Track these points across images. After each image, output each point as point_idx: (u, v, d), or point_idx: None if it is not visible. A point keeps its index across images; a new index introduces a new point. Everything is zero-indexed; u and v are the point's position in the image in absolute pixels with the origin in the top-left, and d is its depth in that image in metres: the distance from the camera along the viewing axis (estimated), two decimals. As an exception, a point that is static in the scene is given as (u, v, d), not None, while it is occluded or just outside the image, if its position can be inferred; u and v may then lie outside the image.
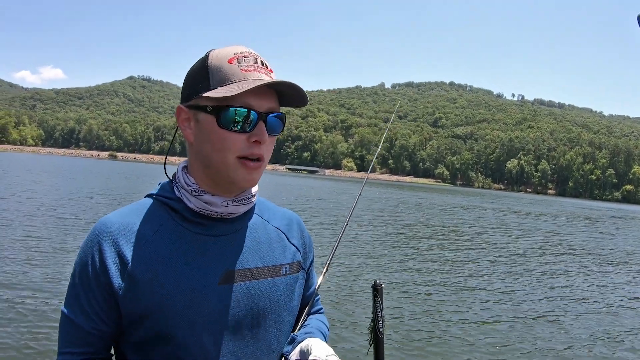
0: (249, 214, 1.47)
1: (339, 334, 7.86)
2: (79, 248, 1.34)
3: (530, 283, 13.51)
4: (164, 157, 1.54)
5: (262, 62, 1.30)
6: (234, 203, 1.37)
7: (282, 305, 1.44)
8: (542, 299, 11.72)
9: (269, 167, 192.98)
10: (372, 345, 1.67)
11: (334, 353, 1.35)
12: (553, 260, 18.21)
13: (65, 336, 1.31)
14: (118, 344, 1.36)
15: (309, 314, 1.64)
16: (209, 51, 1.32)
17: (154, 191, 1.43)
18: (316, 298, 1.74)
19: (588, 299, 12.16)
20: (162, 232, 1.32)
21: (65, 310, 1.31)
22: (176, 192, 1.38)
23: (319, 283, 1.73)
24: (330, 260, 1.84)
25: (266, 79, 1.26)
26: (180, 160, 1.47)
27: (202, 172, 1.35)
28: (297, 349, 1.39)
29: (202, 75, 1.28)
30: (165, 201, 1.38)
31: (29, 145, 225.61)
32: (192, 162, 1.38)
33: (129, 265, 1.26)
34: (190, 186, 1.35)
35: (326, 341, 1.54)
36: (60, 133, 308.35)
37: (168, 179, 1.45)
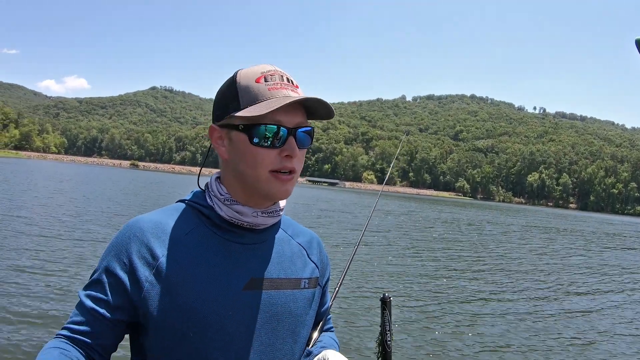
0: (275, 227, 1.52)
1: (347, 347, 7.78)
2: (110, 242, 1.38)
3: (539, 297, 13.39)
4: (196, 167, 2.02)
5: (287, 79, 1.35)
6: (263, 214, 1.41)
7: (299, 317, 1.48)
8: (551, 312, 11.64)
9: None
10: (380, 358, 1.63)
11: None
12: (570, 278, 17.80)
13: (75, 317, 1.32)
14: (138, 341, 1.37)
15: (321, 331, 1.67)
16: (237, 71, 1.36)
17: (187, 197, 1.48)
18: (328, 317, 1.78)
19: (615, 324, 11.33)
20: (193, 235, 1.37)
21: (81, 295, 1.34)
22: (208, 201, 1.43)
23: (331, 302, 1.77)
24: (341, 283, 1.89)
25: (293, 95, 1.31)
26: (210, 172, 1.53)
27: (236, 186, 1.40)
28: None
29: (232, 95, 1.33)
30: (198, 207, 1.42)
31: (52, 153, 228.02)
32: (225, 175, 1.43)
33: (159, 262, 1.30)
34: (223, 195, 1.40)
35: None
36: (83, 141, 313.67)
37: (200, 189, 1.50)
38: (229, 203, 1.39)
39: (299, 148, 1.35)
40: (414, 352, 8.07)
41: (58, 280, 9.76)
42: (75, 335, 1.30)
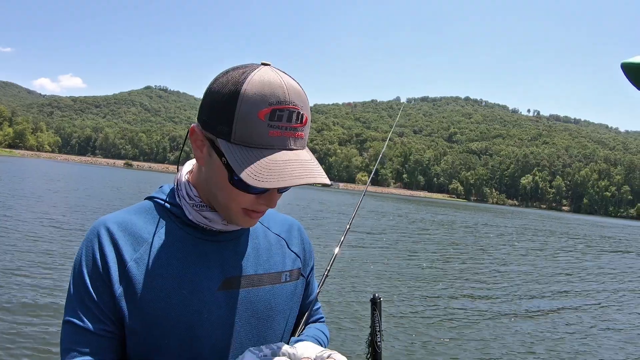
0: None
1: (336, 348, 7.44)
2: (79, 249, 1.28)
3: (531, 297, 13.52)
4: (177, 165, 1.45)
5: (297, 116, 1.15)
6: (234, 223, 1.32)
7: (281, 313, 1.42)
8: (543, 313, 11.69)
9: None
10: (370, 359, 1.63)
11: (325, 350, 1.28)
12: (560, 280, 17.88)
13: (71, 346, 1.21)
14: None
15: (307, 323, 1.60)
16: (242, 85, 1.12)
17: (154, 194, 1.39)
18: (316, 307, 1.70)
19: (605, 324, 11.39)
20: (161, 235, 1.28)
21: (67, 319, 1.22)
22: (177, 199, 1.33)
23: (318, 290, 1.68)
24: (330, 267, 1.80)
25: (291, 156, 1.14)
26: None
27: (207, 192, 1.29)
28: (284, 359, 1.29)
29: (226, 115, 1.13)
30: (166, 205, 1.33)
31: (46, 152, 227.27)
32: (197, 177, 1.31)
33: (127, 266, 1.22)
34: (193, 200, 1.30)
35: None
36: (77, 140, 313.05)
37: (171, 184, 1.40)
38: (197, 208, 1.29)
39: (279, 193, 1.24)
40: (404, 353, 8.09)
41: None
42: None
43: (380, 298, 1.64)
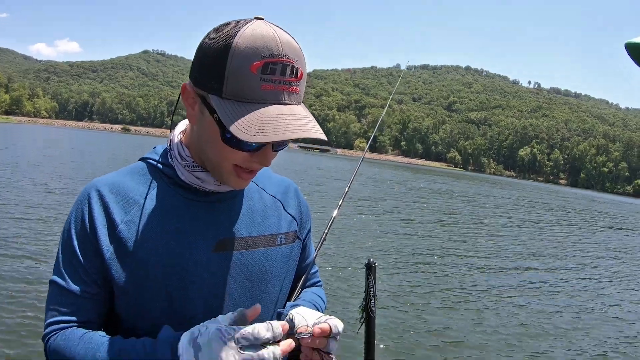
0: None
1: (330, 313, 7.21)
2: (69, 212, 1.27)
3: (526, 269, 13.51)
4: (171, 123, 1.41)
5: (292, 70, 1.10)
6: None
7: (276, 276, 1.39)
8: (537, 286, 11.72)
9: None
10: (363, 324, 1.62)
11: (322, 315, 1.27)
12: (556, 248, 18.16)
13: (53, 306, 1.23)
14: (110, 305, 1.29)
15: (303, 287, 1.56)
16: (233, 39, 1.07)
17: (148, 154, 1.36)
18: (313, 270, 1.66)
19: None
20: (153, 196, 1.26)
21: (54, 278, 1.24)
22: (169, 159, 1.30)
23: (315, 254, 1.64)
24: (327, 231, 1.74)
25: (285, 111, 1.09)
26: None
27: (199, 152, 1.25)
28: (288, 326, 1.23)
29: (217, 70, 1.08)
30: (158, 166, 1.30)
31: (43, 117, 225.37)
32: (190, 137, 1.28)
33: (118, 228, 1.21)
34: (185, 160, 1.26)
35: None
36: (74, 106, 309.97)
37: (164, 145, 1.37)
38: (190, 169, 1.26)
39: (273, 151, 1.20)
40: (397, 319, 8.09)
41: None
42: (69, 322, 1.22)
43: (375, 263, 1.60)
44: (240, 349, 1.05)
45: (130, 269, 1.20)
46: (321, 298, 1.61)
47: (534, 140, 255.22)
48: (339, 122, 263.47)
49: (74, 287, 1.20)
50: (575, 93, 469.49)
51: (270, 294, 1.38)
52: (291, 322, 1.23)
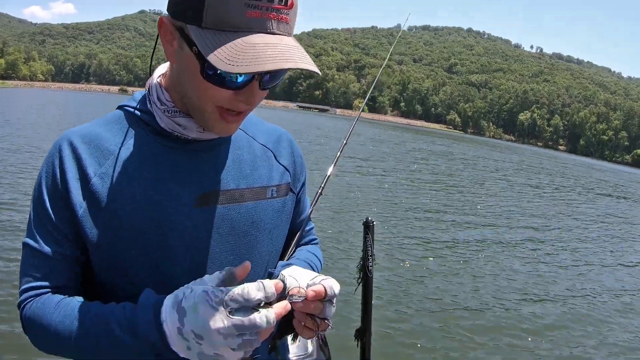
0: None
1: (327, 272, 7.18)
2: (40, 168, 1.16)
3: (524, 234, 13.35)
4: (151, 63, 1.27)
5: None
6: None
7: (267, 233, 1.27)
8: (533, 250, 11.63)
9: (279, 104, 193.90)
10: (361, 284, 1.56)
11: (317, 275, 1.14)
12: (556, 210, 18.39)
13: (26, 270, 1.14)
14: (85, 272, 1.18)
15: (298, 245, 1.45)
16: None
17: (125, 102, 1.23)
18: (309, 227, 1.55)
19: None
20: (129, 146, 1.14)
21: (26, 241, 1.14)
22: (148, 105, 1.18)
23: (311, 209, 1.53)
24: (324, 185, 1.66)
25: (272, 40, 0.97)
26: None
27: (180, 94, 1.12)
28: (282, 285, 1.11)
29: None
30: (136, 113, 1.19)
31: (39, 81, 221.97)
32: (170, 78, 1.16)
33: (91, 182, 1.10)
34: (165, 104, 1.14)
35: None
36: (71, 68, 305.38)
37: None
38: (170, 114, 1.14)
39: (261, 89, 1.06)
40: (395, 279, 8.10)
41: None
42: (44, 288, 1.13)
43: (373, 222, 1.54)
44: (230, 312, 0.95)
45: (104, 222, 1.09)
46: (317, 257, 1.49)
47: (535, 105, 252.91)
48: (339, 82, 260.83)
49: (47, 249, 1.11)
50: (577, 59, 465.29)
51: (260, 252, 1.26)
52: (282, 284, 1.10)
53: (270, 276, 1.20)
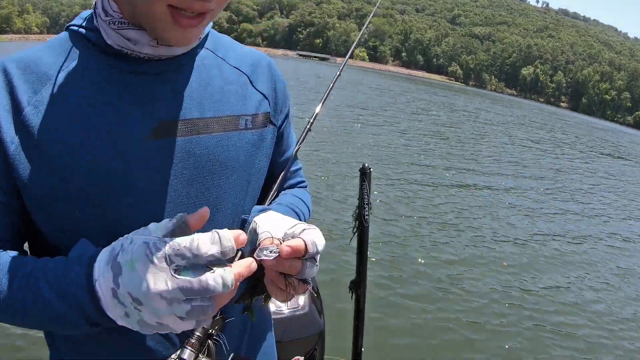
0: (195, 48, 1.04)
1: (321, 222, 7.41)
2: None
3: (525, 188, 13.34)
4: None
5: None
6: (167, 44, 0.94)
7: (239, 171, 1.06)
8: (535, 202, 11.70)
9: (279, 52, 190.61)
10: (356, 233, 1.46)
11: (298, 224, 0.93)
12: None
13: None
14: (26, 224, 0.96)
15: (281, 189, 1.26)
16: None
17: (74, 21, 1.01)
18: (295, 167, 1.36)
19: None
20: (70, 68, 0.93)
21: None
22: (95, 21, 0.96)
23: (297, 147, 1.31)
24: (313, 121, 1.44)
25: None
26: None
27: (129, 3, 0.90)
28: (248, 236, 0.89)
29: None
30: (80, 31, 0.97)
31: (34, 34, 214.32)
32: None
33: (24, 112, 0.89)
34: (111, 16, 0.92)
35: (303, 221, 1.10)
36: (66, 19, 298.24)
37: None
38: (116, 27, 0.92)
39: None
40: (390, 228, 7.95)
41: None
42: None
43: (370, 169, 1.44)
44: (176, 271, 0.73)
45: (39, 159, 0.88)
46: (304, 202, 1.28)
47: (538, 61, 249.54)
48: (339, 30, 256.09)
49: None
50: (583, 16, 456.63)
51: (231, 195, 1.05)
52: (254, 235, 0.93)
53: (244, 224, 1.05)
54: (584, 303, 6.79)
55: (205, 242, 0.74)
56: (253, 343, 1.22)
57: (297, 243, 0.84)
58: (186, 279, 0.72)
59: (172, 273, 0.72)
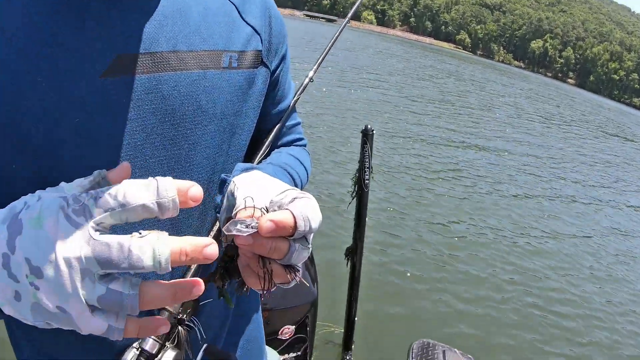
0: None
1: (319, 186, 7.18)
2: None
3: (525, 156, 13.26)
4: None
5: None
6: None
7: (218, 118, 0.84)
8: (540, 176, 11.55)
9: (286, 11, 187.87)
10: (355, 198, 1.32)
11: (288, 190, 0.67)
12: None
13: None
14: None
15: (273, 146, 1.05)
16: None
17: None
18: (292, 122, 1.11)
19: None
20: None
21: None
22: None
23: (296, 98, 1.09)
24: (316, 69, 1.24)
25: None
26: None
27: None
28: (225, 201, 0.73)
29: None
30: None
31: None
32: None
33: None
34: None
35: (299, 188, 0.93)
36: None
37: None
38: None
39: None
40: (390, 195, 7.70)
41: None
42: None
43: (372, 130, 1.30)
44: (96, 231, 0.53)
45: None
46: (301, 163, 1.05)
47: (548, 35, 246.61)
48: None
49: None
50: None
51: (208, 149, 0.84)
52: (232, 199, 0.69)
53: (223, 184, 0.79)
54: (582, 277, 6.72)
55: (137, 188, 0.54)
56: (235, 328, 1.04)
57: (283, 217, 0.60)
58: (104, 241, 0.52)
59: (91, 232, 0.52)
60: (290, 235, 0.61)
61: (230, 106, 0.85)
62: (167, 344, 0.73)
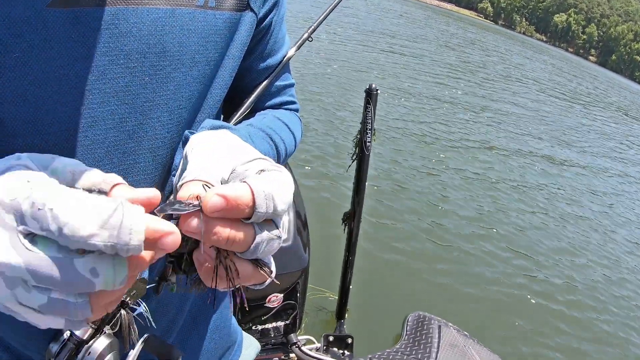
0: None
1: (320, 147, 6.89)
2: None
3: (541, 133, 12.68)
4: None
5: None
6: None
7: (188, 65, 0.70)
8: (555, 153, 11.14)
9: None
10: (355, 161, 1.30)
11: (256, 160, 0.53)
12: None
13: None
14: None
15: (256, 106, 0.90)
16: None
17: None
18: (283, 82, 0.96)
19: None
20: None
21: None
22: None
23: (292, 54, 0.95)
24: (318, 24, 1.15)
25: None
26: None
27: None
28: (181, 164, 0.58)
29: None
30: None
31: None
32: None
33: None
34: None
35: (280, 160, 0.83)
36: None
37: None
38: None
39: None
40: (392, 159, 7.46)
41: None
42: None
43: (377, 90, 1.24)
44: (28, 236, 0.40)
45: None
46: (288, 128, 0.90)
47: (572, 9, 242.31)
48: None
49: None
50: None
51: (173, 100, 0.70)
52: (185, 164, 0.55)
53: (185, 142, 0.64)
54: (589, 259, 6.54)
55: (92, 215, 0.39)
56: (198, 316, 0.91)
57: (236, 192, 0.45)
58: (41, 256, 0.39)
59: (21, 238, 0.40)
60: (247, 217, 0.47)
61: (202, 52, 0.71)
62: (105, 329, 0.62)
